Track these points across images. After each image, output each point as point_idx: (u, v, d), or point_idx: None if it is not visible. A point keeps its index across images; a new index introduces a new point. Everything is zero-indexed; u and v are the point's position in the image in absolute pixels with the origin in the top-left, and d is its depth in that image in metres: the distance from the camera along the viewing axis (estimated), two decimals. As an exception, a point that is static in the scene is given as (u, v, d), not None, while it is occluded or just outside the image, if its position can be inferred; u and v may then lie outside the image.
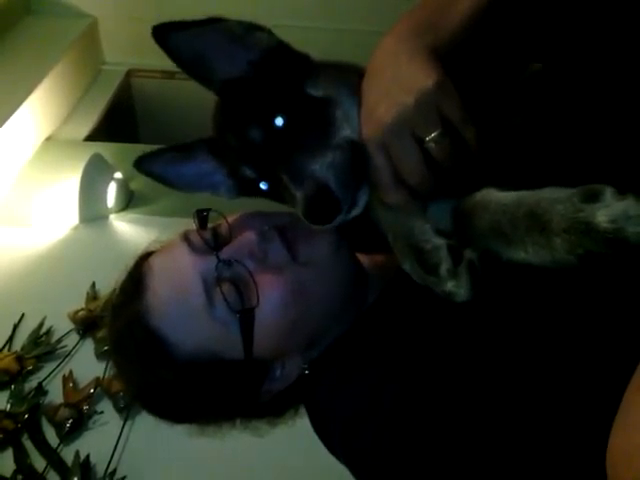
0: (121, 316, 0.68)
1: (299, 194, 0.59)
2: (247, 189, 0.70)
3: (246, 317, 0.63)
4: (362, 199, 0.61)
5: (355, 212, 0.61)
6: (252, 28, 0.64)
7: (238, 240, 0.66)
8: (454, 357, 0.61)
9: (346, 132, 0.61)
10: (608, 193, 0.49)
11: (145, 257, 0.71)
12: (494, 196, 0.56)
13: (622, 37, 0.61)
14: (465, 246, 0.58)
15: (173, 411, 0.71)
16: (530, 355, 0.58)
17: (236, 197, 0.73)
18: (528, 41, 0.62)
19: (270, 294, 0.64)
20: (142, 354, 0.66)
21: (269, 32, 0.66)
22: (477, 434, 0.56)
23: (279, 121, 0.61)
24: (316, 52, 0.69)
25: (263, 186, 0.66)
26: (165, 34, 0.61)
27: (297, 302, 0.65)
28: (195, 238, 0.68)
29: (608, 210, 0.48)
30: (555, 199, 0.51)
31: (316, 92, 0.63)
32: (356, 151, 0.60)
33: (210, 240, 0.68)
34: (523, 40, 0.62)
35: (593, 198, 0.49)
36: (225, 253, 0.65)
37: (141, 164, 0.72)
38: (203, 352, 0.64)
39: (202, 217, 0.70)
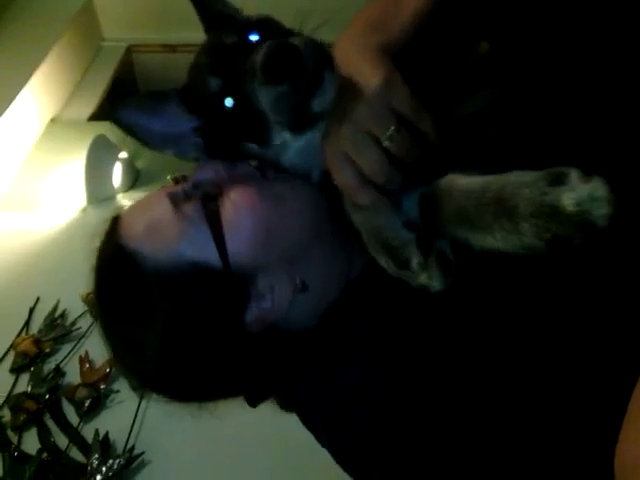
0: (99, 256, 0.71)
1: (259, 56, 0.56)
2: (212, 137, 0.68)
3: (210, 207, 0.65)
4: (328, 82, 0.57)
5: (321, 99, 0.57)
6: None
7: (206, 166, 0.69)
8: (442, 345, 0.59)
9: None
10: (573, 175, 0.48)
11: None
12: (459, 182, 0.55)
13: (571, 10, 0.59)
14: (436, 236, 0.57)
15: (163, 356, 0.66)
16: (524, 341, 0.56)
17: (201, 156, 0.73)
18: (476, 22, 0.61)
19: (237, 196, 0.65)
20: (116, 273, 0.68)
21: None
22: (467, 427, 0.54)
23: (254, 37, 0.61)
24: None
25: (228, 103, 0.63)
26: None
27: (267, 207, 0.65)
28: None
29: (573, 193, 0.47)
30: (521, 183, 0.50)
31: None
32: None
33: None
34: (471, 21, 0.61)
35: (559, 181, 0.48)
36: (193, 179, 0.69)
37: (118, 112, 0.68)
38: (180, 260, 0.64)
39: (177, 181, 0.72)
